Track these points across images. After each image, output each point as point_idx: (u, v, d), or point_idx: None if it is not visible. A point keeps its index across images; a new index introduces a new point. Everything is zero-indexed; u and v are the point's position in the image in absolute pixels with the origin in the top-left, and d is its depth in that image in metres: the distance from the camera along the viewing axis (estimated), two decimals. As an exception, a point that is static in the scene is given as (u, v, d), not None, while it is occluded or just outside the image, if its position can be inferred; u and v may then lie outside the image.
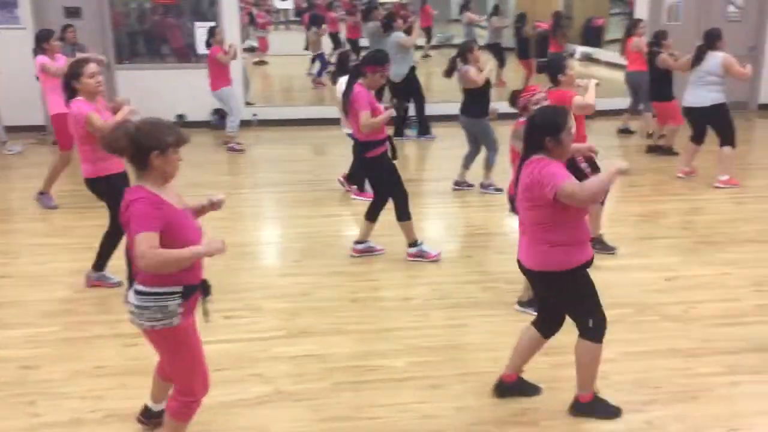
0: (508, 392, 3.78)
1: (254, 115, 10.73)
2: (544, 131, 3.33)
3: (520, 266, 3.58)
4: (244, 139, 9.99)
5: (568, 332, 4.52)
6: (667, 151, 8.80)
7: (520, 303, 4.84)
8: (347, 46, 13.42)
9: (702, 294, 5.08)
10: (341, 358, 4.25)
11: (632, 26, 9.50)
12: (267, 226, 6.96)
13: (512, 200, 4.53)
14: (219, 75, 9.16)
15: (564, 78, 5.42)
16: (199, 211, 3.31)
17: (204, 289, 3.11)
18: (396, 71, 9.10)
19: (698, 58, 7.47)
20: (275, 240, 6.56)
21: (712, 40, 7.45)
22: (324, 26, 14.38)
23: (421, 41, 14.57)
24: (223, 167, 9.02)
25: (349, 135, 6.69)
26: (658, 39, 8.60)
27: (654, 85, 8.70)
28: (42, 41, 7.38)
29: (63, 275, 5.43)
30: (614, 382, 3.96)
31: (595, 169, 4.97)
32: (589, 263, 3.46)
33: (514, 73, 13.59)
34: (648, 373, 4.05)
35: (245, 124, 10.53)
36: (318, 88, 13.39)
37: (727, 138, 7.46)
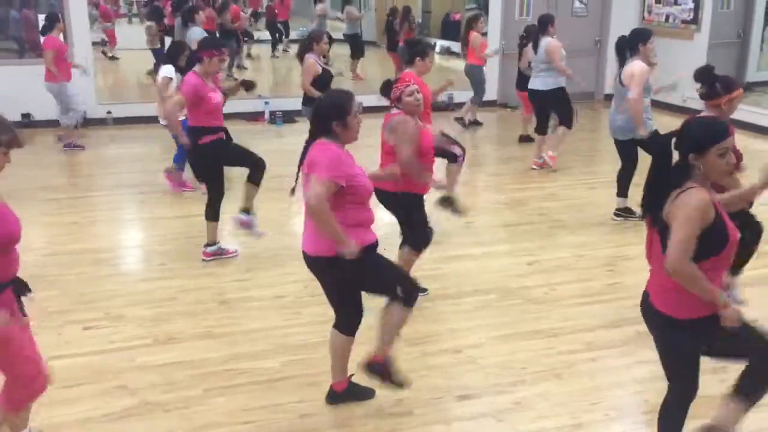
0: (340, 400, 3.68)
1: (108, 112, 10.17)
2: (330, 115, 3.32)
3: (306, 259, 3.46)
4: (98, 138, 9.47)
5: (433, 321, 4.66)
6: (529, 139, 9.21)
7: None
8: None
9: (560, 276, 5.35)
10: (212, 362, 4.12)
11: (472, 21, 9.92)
12: (126, 230, 6.62)
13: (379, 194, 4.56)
14: (58, 65, 8.50)
15: (421, 63, 5.48)
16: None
17: (17, 286, 2.91)
18: None
19: (536, 45, 7.88)
20: (136, 244, 6.25)
21: (543, 25, 7.86)
22: (164, 21, 13.71)
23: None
24: (77, 169, 8.50)
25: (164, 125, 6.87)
26: (529, 33, 9.02)
27: (520, 76, 9.14)
28: None
29: None
30: (483, 365, 4.09)
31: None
32: (374, 246, 3.45)
33: (375, 67, 13.74)
34: (514, 354, 4.22)
35: (100, 122, 9.99)
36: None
37: (566, 120, 7.91)
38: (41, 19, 9.38)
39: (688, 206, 2.62)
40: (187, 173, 6.98)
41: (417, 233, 4.70)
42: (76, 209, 6.81)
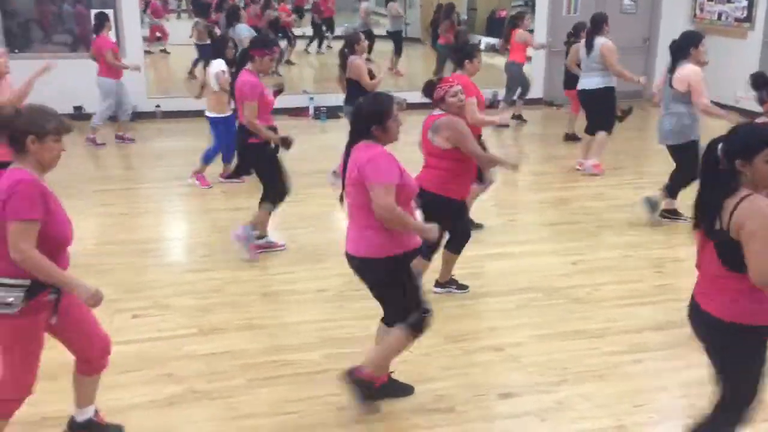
0: (379, 394, 3.64)
1: (157, 106, 10.38)
2: (371, 119, 3.33)
3: (348, 259, 3.48)
4: (146, 131, 9.66)
5: (475, 318, 4.65)
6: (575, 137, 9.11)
7: (437, 284, 4.90)
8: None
9: (606, 276, 5.28)
10: (255, 353, 4.18)
11: (517, 18, 9.82)
12: (173, 221, 6.75)
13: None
14: (107, 64, 8.72)
15: (470, 65, 5.51)
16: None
17: (57, 289, 2.93)
18: None
19: (589, 44, 7.74)
20: (182, 235, 6.36)
21: (596, 24, 7.71)
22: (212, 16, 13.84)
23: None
24: (126, 161, 8.69)
25: (211, 118, 7.01)
26: (577, 31, 8.91)
27: (567, 74, 9.03)
28: None
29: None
30: (524, 364, 4.07)
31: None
32: (416, 251, 3.47)
33: (419, 64, 13.72)
34: (557, 354, 4.18)
35: (149, 116, 10.18)
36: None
37: (604, 124, 7.73)
38: (93, 14, 9.63)
39: (763, 216, 2.52)
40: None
41: (458, 237, 4.74)
42: (125, 201, 6.96)
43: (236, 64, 5.70)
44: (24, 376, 2.95)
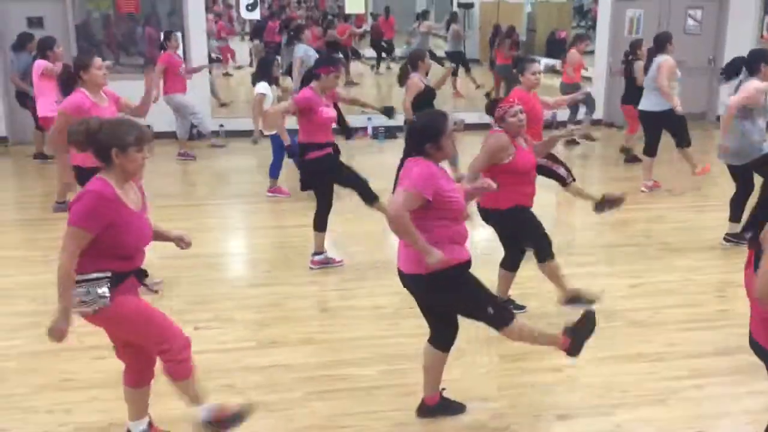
0: (431, 414, 3.71)
1: (221, 126, 10.67)
2: (424, 137, 3.37)
3: (401, 276, 3.51)
4: (210, 149, 9.94)
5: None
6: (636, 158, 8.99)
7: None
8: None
9: (666, 299, 5.19)
10: (312, 367, 4.25)
11: (577, 39, 9.79)
12: (235, 237, 6.93)
13: (481, 212, 4.61)
14: (172, 80, 9.11)
15: (524, 79, 5.54)
16: (164, 236, 3.36)
17: (138, 274, 3.19)
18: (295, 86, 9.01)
19: (649, 63, 7.67)
20: (244, 251, 6.53)
21: (660, 43, 7.64)
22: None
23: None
24: (189, 177, 8.96)
25: (272, 136, 7.39)
26: (633, 48, 8.89)
27: (627, 91, 9.00)
28: (46, 48, 7.73)
29: (26, 289, 5.33)
30: (582, 385, 4.03)
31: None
32: (468, 264, 3.45)
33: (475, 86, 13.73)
34: (616, 377, 4.13)
35: (213, 135, 10.47)
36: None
37: (681, 139, 7.69)
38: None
39: None
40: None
41: (536, 243, 4.64)
42: (190, 216, 7.18)
43: (300, 83, 5.90)
44: (169, 325, 3.13)
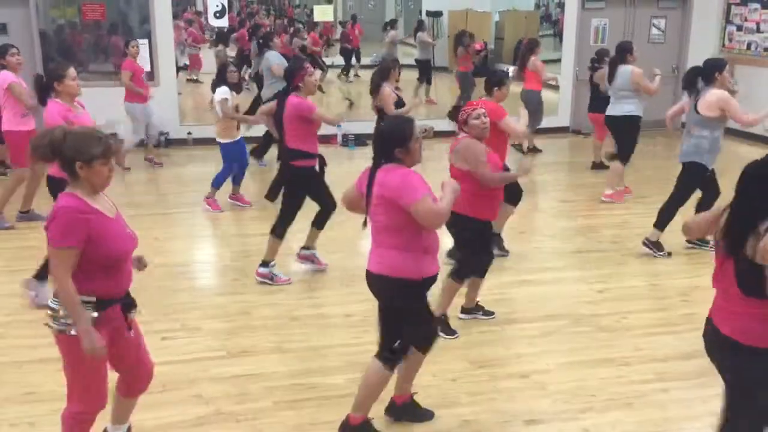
0: (400, 414, 3.74)
1: (189, 133, 10.58)
2: (392, 142, 3.38)
3: (367, 276, 3.50)
4: (177, 157, 9.85)
5: (500, 345, 4.64)
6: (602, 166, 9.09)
7: (463, 310, 4.92)
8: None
9: (632, 304, 5.25)
10: (282, 376, 4.22)
11: (533, 45, 9.83)
12: (202, 246, 6.86)
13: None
14: (135, 85, 9.00)
15: (499, 93, 5.58)
16: None
17: (125, 305, 3.04)
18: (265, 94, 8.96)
19: (611, 73, 7.77)
20: (212, 259, 6.47)
21: (622, 53, 7.75)
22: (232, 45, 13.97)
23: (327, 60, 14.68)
24: (158, 186, 8.86)
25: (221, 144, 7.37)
26: (600, 56, 9.04)
27: (592, 99, 9.11)
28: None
29: (-11, 299, 5.23)
30: (551, 391, 4.06)
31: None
32: (433, 279, 3.47)
33: (447, 92, 13.81)
34: (583, 381, 4.17)
35: (181, 143, 10.38)
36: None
37: (622, 153, 7.77)
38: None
39: None
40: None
41: (468, 261, 4.71)
42: (156, 224, 7.09)
43: (279, 97, 5.76)
44: (96, 389, 3.02)
